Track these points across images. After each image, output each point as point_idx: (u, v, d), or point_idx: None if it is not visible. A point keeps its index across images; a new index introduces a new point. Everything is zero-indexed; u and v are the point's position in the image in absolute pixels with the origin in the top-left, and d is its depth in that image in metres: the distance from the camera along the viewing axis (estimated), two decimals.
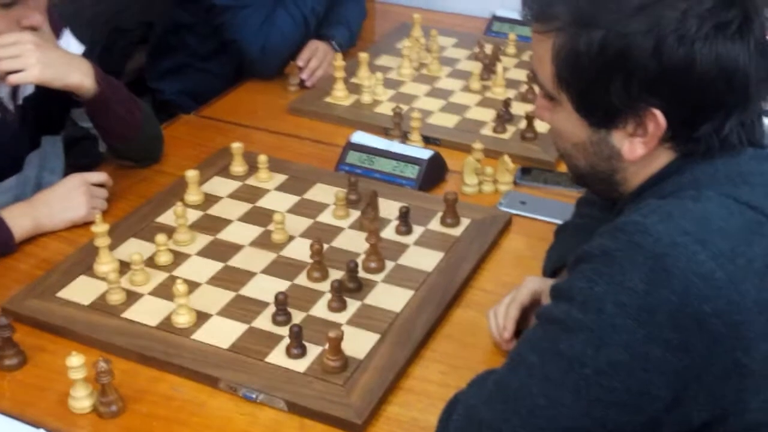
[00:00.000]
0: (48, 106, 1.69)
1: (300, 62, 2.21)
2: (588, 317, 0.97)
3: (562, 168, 1.82)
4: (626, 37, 0.99)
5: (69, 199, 1.62)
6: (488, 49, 2.29)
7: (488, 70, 2.19)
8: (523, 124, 1.95)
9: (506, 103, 2.00)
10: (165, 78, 2.39)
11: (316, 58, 2.23)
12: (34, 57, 1.52)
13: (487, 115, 2.02)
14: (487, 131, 1.97)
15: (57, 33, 1.70)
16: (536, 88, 1.93)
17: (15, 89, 1.63)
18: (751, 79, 1.02)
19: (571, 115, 1.09)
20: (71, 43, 1.74)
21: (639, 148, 1.06)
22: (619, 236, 0.99)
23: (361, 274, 1.49)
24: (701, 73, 0.99)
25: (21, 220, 1.56)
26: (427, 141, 1.92)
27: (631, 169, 1.10)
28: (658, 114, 1.02)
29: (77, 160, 1.97)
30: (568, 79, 1.06)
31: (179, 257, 1.54)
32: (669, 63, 0.99)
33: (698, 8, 0.98)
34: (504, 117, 1.97)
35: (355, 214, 1.66)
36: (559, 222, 1.51)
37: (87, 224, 1.57)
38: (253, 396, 1.26)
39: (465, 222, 1.64)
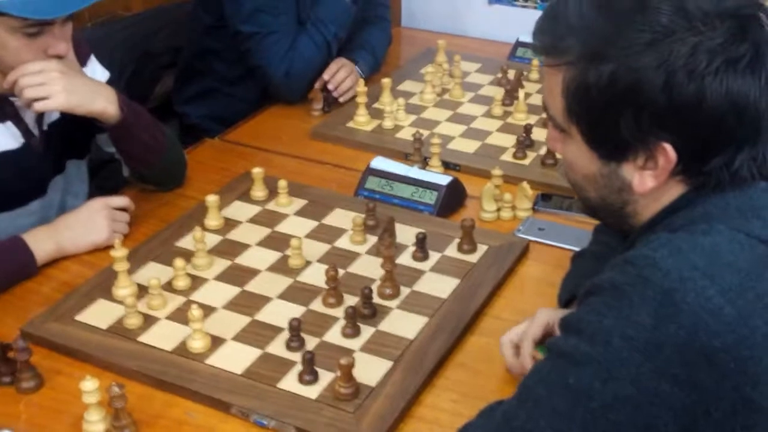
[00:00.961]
0: (73, 132, 1.72)
1: (326, 75, 2.23)
2: (595, 350, 0.97)
3: None
4: (636, 71, 0.99)
5: (91, 222, 1.64)
6: (511, 74, 2.29)
7: (510, 95, 2.19)
8: (543, 149, 1.95)
9: (527, 128, 2.00)
10: (191, 102, 2.43)
11: (343, 70, 2.25)
12: (59, 85, 1.55)
13: (508, 140, 2.03)
14: (507, 157, 1.97)
15: (83, 59, 1.73)
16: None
17: (40, 115, 1.66)
18: (762, 114, 1.01)
19: (582, 147, 1.09)
20: (96, 70, 1.78)
21: (649, 181, 1.05)
22: (628, 270, 0.99)
23: (376, 300, 1.49)
24: (711, 108, 0.99)
25: (43, 243, 1.59)
26: (447, 166, 1.93)
27: (641, 201, 1.09)
28: (669, 148, 1.01)
29: (102, 184, 2.00)
30: (578, 112, 1.06)
31: (197, 282, 1.55)
32: (679, 98, 0.99)
33: (709, 43, 0.98)
34: (524, 143, 1.98)
35: (373, 239, 1.67)
36: (577, 249, 1.51)
37: (108, 248, 1.58)
38: (265, 422, 1.27)
39: (482, 248, 1.64)
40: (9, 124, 1.62)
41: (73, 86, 1.57)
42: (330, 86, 2.23)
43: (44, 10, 1.49)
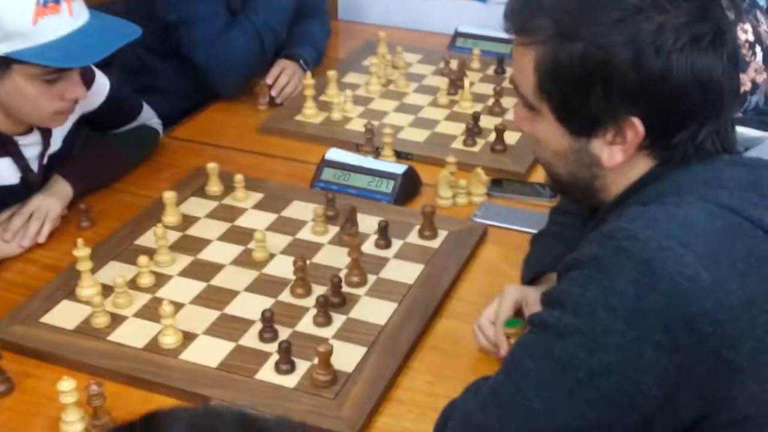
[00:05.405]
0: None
1: (269, 80, 2.22)
2: (580, 321, 1.00)
3: (534, 178, 1.86)
4: (607, 48, 1.02)
5: None
6: (453, 64, 2.32)
7: (455, 85, 2.22)
8: (492, 136, 1.98)
9: (475, 116, 2.03)
10: None
11: (285, 74, 2.24)
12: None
13: (457, 129, 2.06)
14: (457, 144, 2.00)
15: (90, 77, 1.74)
16: (502, 101, 1.97)
17: (43, 151, 1.68)
18: (724, 89, 1.06)
19: (552, 124, 1.12)
20: (100, 80, 1.80)
21: (618, 156, 1.09)
22: (607, 243, 1.02)
23: (345, 288, 1.50)
24: (678, 84, 1.03)
25: None
26: (399, 156, 1.95)
27: (610, 176, 1.13)
28: (637, 122, 1.05)
29: None
30: (550, 90, 1.09)
31: (161, 278, 1.54)
32: (647, 74, 1.02)
33: (674, 21, 1.02)
34: (473, 130, 2.01)
35: (334, 229, 1.68)
36: (533, 231, 1.54)
37: (67, 248, 1.56)
38: None
39: (442, 234, 1.66)
40: (8, 161, 1.62)
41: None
42: (273, 92, 2.21)
43: (68, 59, 1.49)
